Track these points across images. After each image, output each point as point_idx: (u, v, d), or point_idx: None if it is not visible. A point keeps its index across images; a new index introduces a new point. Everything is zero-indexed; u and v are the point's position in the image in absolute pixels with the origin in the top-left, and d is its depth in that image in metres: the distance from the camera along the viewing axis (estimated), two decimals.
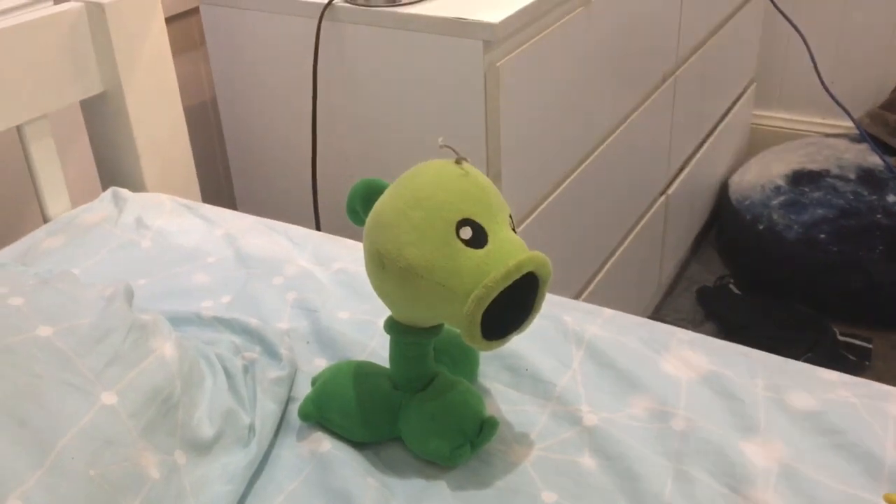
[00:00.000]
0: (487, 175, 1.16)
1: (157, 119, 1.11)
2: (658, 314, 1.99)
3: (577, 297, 1.52)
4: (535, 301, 0.66)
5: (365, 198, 0.71)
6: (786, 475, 0.66)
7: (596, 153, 1.44)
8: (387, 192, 0.67)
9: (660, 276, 1.95)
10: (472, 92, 1.10)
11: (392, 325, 0.71)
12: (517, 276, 0.62)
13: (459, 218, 0.63)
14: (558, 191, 1.34)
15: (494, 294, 0.62)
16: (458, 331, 0.65)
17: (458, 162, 0.66)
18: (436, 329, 0.71)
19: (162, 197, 1.06)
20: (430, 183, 0.65)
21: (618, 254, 1.65)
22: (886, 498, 0.48)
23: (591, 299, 1.54)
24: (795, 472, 0.66)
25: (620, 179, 1.58)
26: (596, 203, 1.50)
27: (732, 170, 2.27)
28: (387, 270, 0.65)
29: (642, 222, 1.74)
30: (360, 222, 0.72)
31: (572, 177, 1.37)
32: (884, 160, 1.96)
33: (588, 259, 1.54)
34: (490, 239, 0.64)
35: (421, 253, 0.63)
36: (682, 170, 1.92)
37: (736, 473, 0.66)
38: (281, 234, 1.01)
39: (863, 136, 2.01)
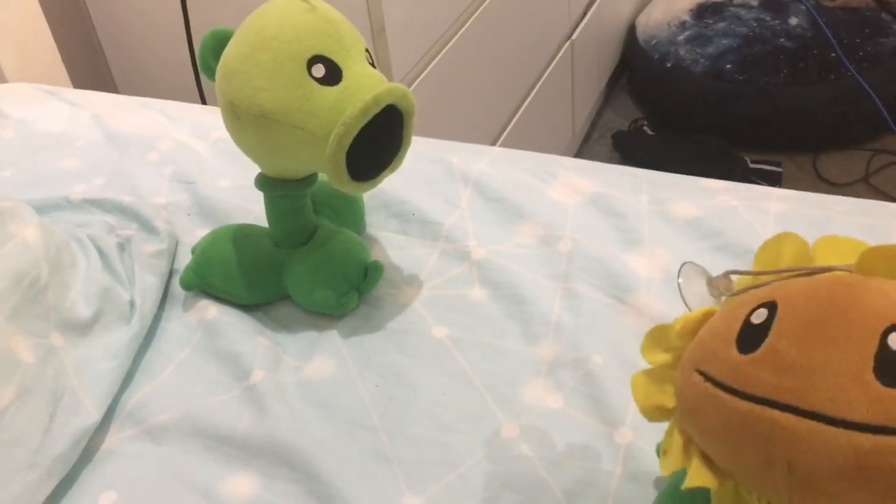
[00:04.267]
0: (371, 31, 1.11)
1: (6, 5, 1.03)
2: None
3: None
4: (401, 136, 0.64)
5: (216, 49, 0.66)
6: (668, 280, 0.66)
7: (487, 1, 1.39)
8: (232, 39, 0.63)
9: (573, 124, 1.94)
10: None
11: (263, 181, 0.68)
12: (376, 110, 0.59)
13: (310, 55, 0.60)
14: (451, 42, 1.30)
15: (354, 131, 0.59)
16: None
17: None
18: (308, 180, 0.68)
19: (22, 86, 1.00)
20: (275, 22, 0.61)
21: (526, 104, 1.63)
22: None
23: None
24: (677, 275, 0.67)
25: (518, 26, 1.53)
26: (494, 53, 1.46)
27: (638, 10, 2.24)
28: (242, 121, 0.62)
29: (548, 70, 1.71)
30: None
31: (465, 27, 1.33)
32: None
33: (494, 112, 1.51)
34: (345, 75, 0.60)
35: (273, 97, 0.60)
36: (585, 14, 1.88)
37: (620, 284, 0.67)
38: (155, 110, 0.96)
39: None
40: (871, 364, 0.35)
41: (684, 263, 0.46)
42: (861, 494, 0.35)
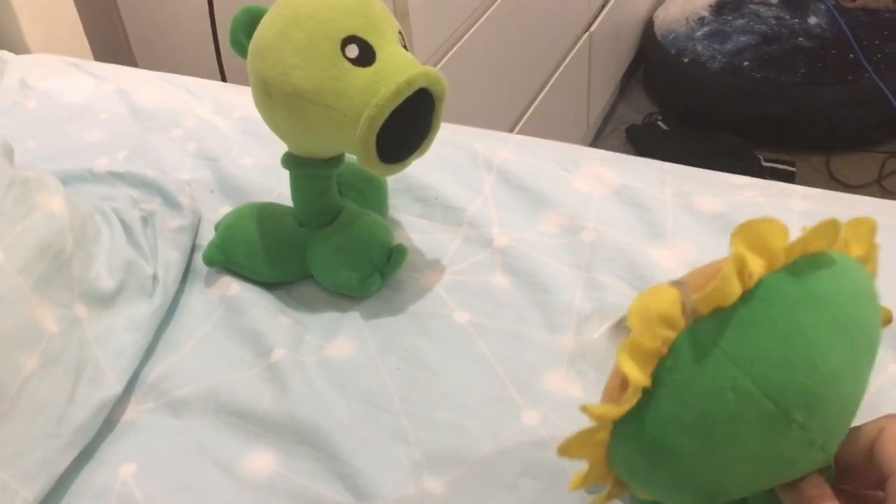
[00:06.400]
0: (395, 13, 1.11)
1: None
2: None
3: None
4: (432, 120, 0.64)
5: (248, 26, 0.66)
6: None
7: None
8: (266, 16, 0.63)
9: (587, 117, 1.93)
10: None
11: (290, 160, 0.68)
12: (409, 93, 0.59)
13: (344, 35, 0.60)
14: (472, 30, 1.29)
15: (386, 113, 0.59)
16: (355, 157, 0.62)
17: None
18: (335, 160, 0.68)
19: (47, 57, 1.00)
20: (311, 1, 0.61)
21: (542, 95, 1.63)
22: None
23: None
24: None
25: (538, 17, 1.53)
26: (513, 43, 1.45)
27: (657, 4, 2.23)
28: (273, 98, 0.62)
29: (566, 62, 1.71)
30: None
31: (486, 15, 1.33)
32: None
33: (511, 101, 1.51)
34: (378, 56, 0.60)
35: (306, 76, 0.60)
36: (603, 7, 1.87)
37: (643, 276, 0.67)
38: (178, 86, 0.96)
39: None
40: None
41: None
42: None
